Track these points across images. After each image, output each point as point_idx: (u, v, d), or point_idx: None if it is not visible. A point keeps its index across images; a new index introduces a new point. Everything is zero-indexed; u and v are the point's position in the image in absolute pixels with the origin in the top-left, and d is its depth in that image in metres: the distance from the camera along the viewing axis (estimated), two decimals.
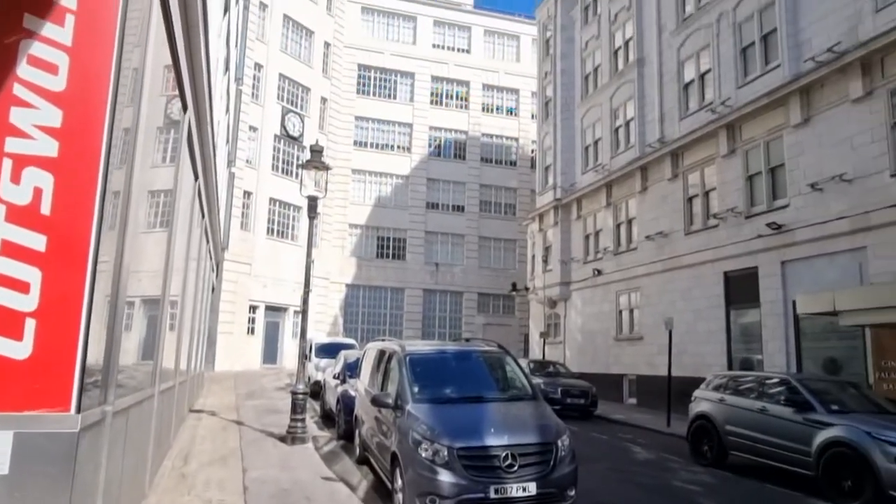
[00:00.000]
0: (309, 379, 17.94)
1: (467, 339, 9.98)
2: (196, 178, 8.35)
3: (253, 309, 29.82)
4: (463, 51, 40.48)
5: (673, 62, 20.93)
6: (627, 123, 23.52)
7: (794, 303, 14.77)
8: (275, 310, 31.00)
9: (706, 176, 19.16)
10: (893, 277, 12.75)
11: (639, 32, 23.14)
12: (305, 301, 11.50)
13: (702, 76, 19.57)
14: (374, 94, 38.65)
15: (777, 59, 16.41)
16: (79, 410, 2.75)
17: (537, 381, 17.45)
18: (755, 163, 17.18)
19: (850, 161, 14.12)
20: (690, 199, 19.89)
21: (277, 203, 31.46)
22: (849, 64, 14.02)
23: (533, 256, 30.47)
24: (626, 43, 24.01)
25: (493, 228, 39.24)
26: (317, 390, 17.16)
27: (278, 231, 31.58)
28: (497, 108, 40.64)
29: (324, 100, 34.90)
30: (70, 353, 2.75)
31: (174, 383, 8.46)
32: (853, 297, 11.89)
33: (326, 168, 11.29)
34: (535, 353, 28.71)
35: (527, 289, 31.50)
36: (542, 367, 20.43)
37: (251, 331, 29.78)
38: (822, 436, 8.95)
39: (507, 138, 40.43)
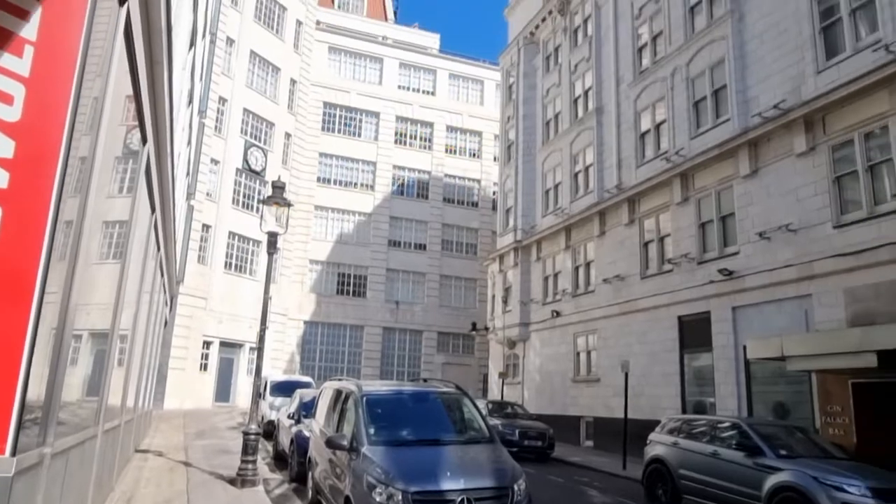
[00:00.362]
0: (262, 418, 17.46)
1: (425, 380, 9.90)
2: (153, 210, 8.22)
3: (207, 345, 29.03)
4: (428, 93, 41.20)
5: (630, 112, 21.70)
6: (587, 169, 24.15)
7: (744, 347, 15.15)
8: (230, 346, 30.24)
9: (661, 222, 19.73)
10: (837, 325, 13.24)
11: (598, 83, 24.00)
12: (262, 338, 11.28)
13: (657, 126, 20.32)
14: (339, 132, 38.87)
15: (727, 113, 17.20)
16: (14, 453, 2.62)
17: (495, 422, 17.36)
18: (707, 211, 17.79)
19: (795, 212, 14.75)
20: (646, 244, 20.40)
21: (237, 237, 31.03)
22: (793, 120, 14.78)
23: (493, 296, 30.62)
24: (586, 92, 24.84)
25: (455, 268, 39.39)
26: (270, 430, 16.69)
27: (237, 266, 31.06)
28: (460, 150, 41.27)
29: (288, 135, 34.91)
30: (8, 392, 2.64)
31: (120, 422, 8.14)
32: (799, 343, 12.28)
33: (288, 204, 11.25)
34: (494, 393, 28.61)
35: (487, 329, 31.54)
36: (500, 408, 20.35)
37: (204, 367, 28.93)
38: (771, 480, 9.11)
39: (469, 179, 40.98)
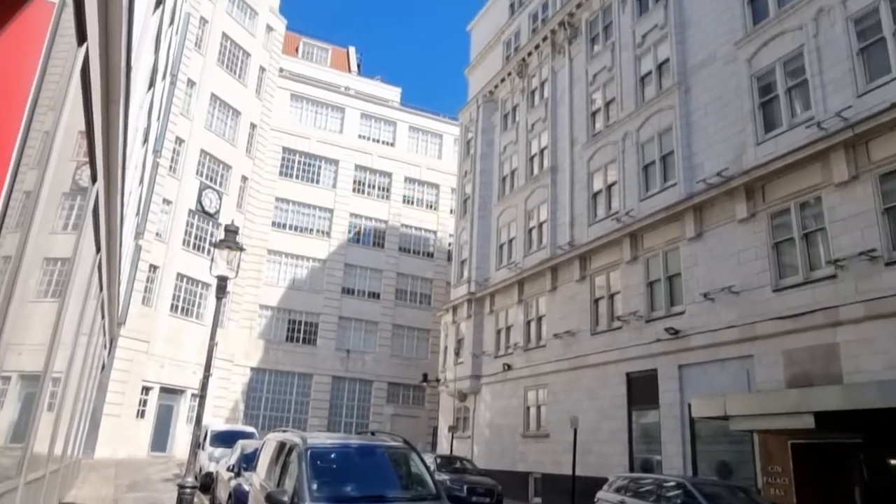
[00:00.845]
0: (200, 470, 16.69)
1: (373, 433, 9.70)
2: (98, 250, 7.99)
3: (146, 390, 27.81)
4: (388, 143, 41.75)
5: (583, 172, 22.42)
6: (540, 225, 24.66)
7: (689, 406, 15.41)
8: (170, 392, 29.03)
9: (611, 279, 20.18)
10: (777, 385, 13.64)
11: (553, 142, 24.79)
12: (204, 386, 10.90)
13: (609, 187, 21.02)
14: (297, 178, 38.81)
15: (674, 178, 17.96)
16: None
17: (443, 477, 17.06)
18: (655, 270, 18.32)
19: (737, 274, 15.33)
20: (597, 301, 20.77)
21: (185, 279, 30.24)
22: (735, 188, 15.54)
23: (445, 348, 30.46)
24: (542, 151, 25.61)
25: (408, 317, 39.16)
26: (208, 483, 15.93)
27: (183, 308, 30.16)
28: (418, 201, 41.68)
29: (245, 179, 34.66)
30: None
31: (45, 472, 7.67)
32: (741, 403, 12.58)
33: (240, 249, 11.09)
34: (444, 446, 28.13)
35: (438, 380, 31.23)
36: (448, 462, 20.02)
37: (141, 414, 27.62)
38: None
39: (425, 230, 41.26)
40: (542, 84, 26.53)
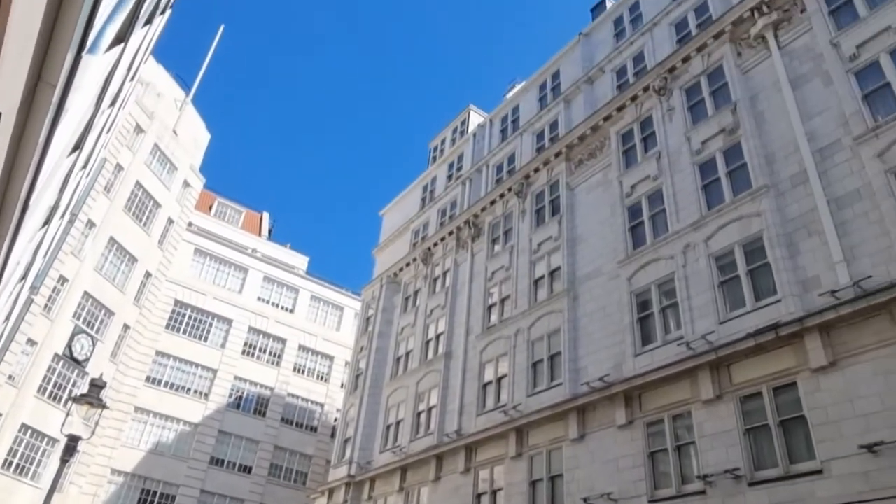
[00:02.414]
0: None
1: None
2: None
3: None
4: (287, 310, 41.22)
5: (476, 362, 22.85)
6: (430, 410, 24.33)
7: None
8: None
9: (496, 474, 19.76)
10: None
11: (449, 330, 25.43)
12: None
13: (499, 379, 21.40)
14: (185, 333, 36.98)
15: (560, 377, 18.64)
16: None
17: None
18: (538, 469, 18.19)
19: (616, 481, 15.49)
20: (479, 496, 20.07)
21: (30, 432, 26.77)
22: (615, 394, 16.27)
23: None
24: (438, 336, 26.10)
25: (279, 497, 35.84)
26: None
27: (18, 466, 26.31)
28: (309, 371, 40.39)
29: (126, 327, 32.64)
30: None
31: None
32: None
33: (102, 406, 10.20)
34: None
35: None
36: None
37: None
38: None
39: (313, 402, 39.53)
40: (445, 274, 27.83)
